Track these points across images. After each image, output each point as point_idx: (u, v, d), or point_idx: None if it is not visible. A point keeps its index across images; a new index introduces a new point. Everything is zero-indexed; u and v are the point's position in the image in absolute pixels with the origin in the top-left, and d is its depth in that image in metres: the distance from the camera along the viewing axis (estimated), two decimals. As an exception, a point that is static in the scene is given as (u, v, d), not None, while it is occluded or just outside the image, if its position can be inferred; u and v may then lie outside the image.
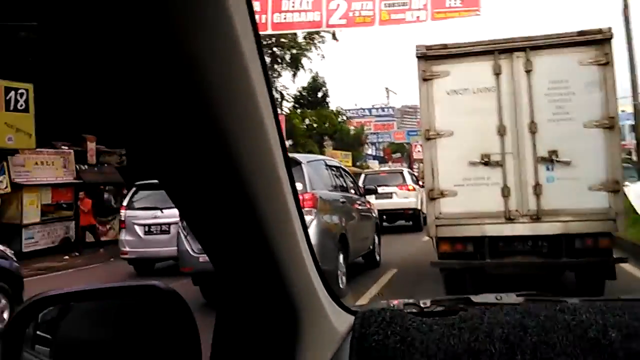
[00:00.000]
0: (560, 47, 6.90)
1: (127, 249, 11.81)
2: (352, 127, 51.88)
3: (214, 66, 0.63)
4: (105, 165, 20.12)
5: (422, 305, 1.32)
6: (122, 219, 12.08)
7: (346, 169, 11.42)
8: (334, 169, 9.96)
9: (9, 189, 15.82)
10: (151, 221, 11.64)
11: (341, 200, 9.08)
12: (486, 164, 7.05)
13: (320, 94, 44.22)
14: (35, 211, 16.65)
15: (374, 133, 60.56)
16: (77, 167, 18.24)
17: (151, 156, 0.73)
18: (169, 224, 11.26)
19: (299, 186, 7.57)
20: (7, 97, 15.97)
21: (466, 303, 1.32)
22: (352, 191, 10.26)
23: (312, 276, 1.04)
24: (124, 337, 1.16)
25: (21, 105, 16.28)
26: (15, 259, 7.83)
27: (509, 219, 6.99)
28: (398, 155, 58.83)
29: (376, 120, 63.62)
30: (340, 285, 8.02)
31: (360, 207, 10.14)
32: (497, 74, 7.06)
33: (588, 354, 0.92)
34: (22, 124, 16.26)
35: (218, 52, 0.63)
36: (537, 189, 6.94)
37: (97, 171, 19.42)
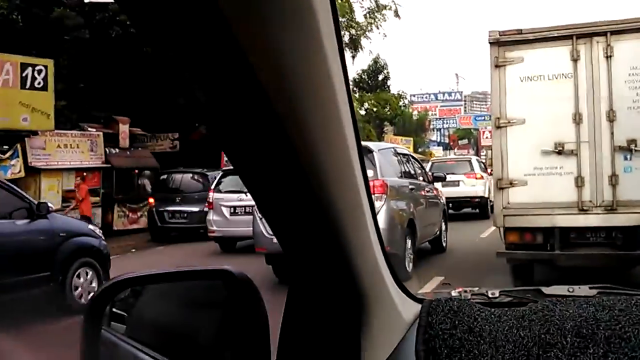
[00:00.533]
0: (644, 31, 6.58)
1: (214, 227, 12.49)
2: (415, 112, 49.74)
3: (295, 56, 0.64)
4: (140, 148, 18.75)
5: (490, 295, 1.29)
6: (210, 200, 12.77)
7: (415, 156, 11.88)
8: (404, 156, 10.28)
9: (22, 173, 14.21)
10: (236, 203, 12.20)
11: (410, 187, 9.34)
12: (560, 152, 6.85)
13: (381, 77, 42.98)
14: (56, 197, 14.60)
15: (440, 119, 58.08)
16: (107, 150, 16.86)
17: (228, 143, 0.76)
18: (253, 206, 11.50)
19: (370, 173, 7.47)
20: (24, 74, 14.24)
21: (536, 294, 1.29)
22: (421, 178, 10.49)
23: (379, 263, 1.03)
24: (195, 319, 1.21)
25: (39, 83, 14.50)
26: (103, 237, 8.27)
27: (582, 209, 6.79)
28: (465, 141, 55.33)
29: (441, 106, 60.37)
30: (408, 269, 8.31)
31: (428, 194, 10.36)
32: (575, 59, 6.82)
33: None
34: (39, 103, 14.50)
35: (300, 42, 0.64)
36: (614, 179, 6.70)
37: (129, 155, 17.87)
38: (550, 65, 6.92)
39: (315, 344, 1.03)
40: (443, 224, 11.13)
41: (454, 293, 1.30)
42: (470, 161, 19.05)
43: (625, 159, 6.70)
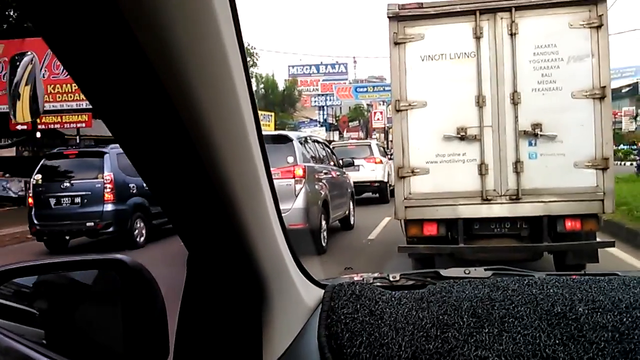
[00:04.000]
0: (550, 7, 6.12)
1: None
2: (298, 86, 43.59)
3: (185, 28, 0.62)
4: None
5: (391, 279, 1.35)
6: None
7: (327, 143, 13.17)
8: (319, 144, 11.46)
9: None
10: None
11: (324, 171, 10.34)
12: (462, 138, 6.34)
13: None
14: None
15: (322, 95, 47.92)
16: None
17: (117, 123, 0.71)
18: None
19: (290, 159, 8.92)
20: None
21: (435, 277, 1.34)
22: (332, 163, 11.51)
23: (281, 249, 1.03)
24: (88, 311, 1.12)
25: None
26: None
27: (486, 199, 6.34)
28: (355, 123, 51.14)
29: (324, 80, 48.84)
30: (323, 244, 9.39)
31: (338, 178, 11.37)
32: (478, 37, 6.29)
33: (555, 328, 0.93)
34: None
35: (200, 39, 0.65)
36: (518, 166, 6.27)
37: None
38: (452, 44, 6.37)
39: (214, 331, 1.01)
40: (351, 204, 12.25)
41: (356, 277, 1.37)
42: (370, 145, 19.06)
43: (530, 144, 6.27)
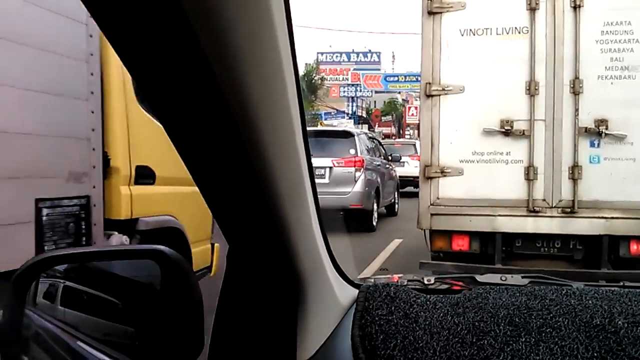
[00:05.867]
0: (625, -27, 4.92)
1: None
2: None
3: (241, 31, 0.63)
4: None
5: (425, 282, 1.35)
6: None
7: (379, 140, 15.32)
8: (373, 140, 13.42)
9: None
10: None
11: (377, 163, 11.88)
12: (507, 133, 5.15)
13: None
14: None
15: (352, 84, 43.90)
16: None
17: (169, 116, 0.73)
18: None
19: (352, 151, 10.66)
20: None
21: (470, 282, 1.36)
22: (382, 157, 13.03)
23: (319, 248, 1.03)
24: (126, 300, 1.15)
25: None
26: None
27: (533, 210, 5.14)
28: (388, 118, 47.14)
29: (355, 69, 44.54)
30: (374, 223, 11.01)
31: (387, 170, 12.90)
32: (533, 8, 5.08)
33: (593, 340, 0.92)
34: None
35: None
36: (575, 171, 5.05)
37: None
38: (500, 16, 5.18)
39: (250, 326, 1.03)
40: (396, 194, 13.78)
41: (390, 279, 1.37)
42: (414, 145, 19.80)
43: (592, 145, 5.05)
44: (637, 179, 4.97)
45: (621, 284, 1.34)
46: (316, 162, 9.51)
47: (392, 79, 43.31)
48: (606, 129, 4.98)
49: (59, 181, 3.57)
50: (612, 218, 5.01)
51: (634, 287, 1.21)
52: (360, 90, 43.91)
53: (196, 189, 0.84)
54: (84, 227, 3.75)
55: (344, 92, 44.23)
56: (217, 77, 0.65)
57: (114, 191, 3.98)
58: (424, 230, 5.47)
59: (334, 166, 10.30)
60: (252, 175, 0.79)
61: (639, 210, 4.97)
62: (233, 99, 0.68)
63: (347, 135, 11.32)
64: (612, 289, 1.15)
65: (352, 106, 44.64)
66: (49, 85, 3.40)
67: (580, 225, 5.07)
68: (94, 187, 3.83)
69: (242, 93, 0.68)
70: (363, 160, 10.64)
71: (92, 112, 3.80)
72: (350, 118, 41.01)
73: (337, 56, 46.06)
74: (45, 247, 3.34)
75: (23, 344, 1.13)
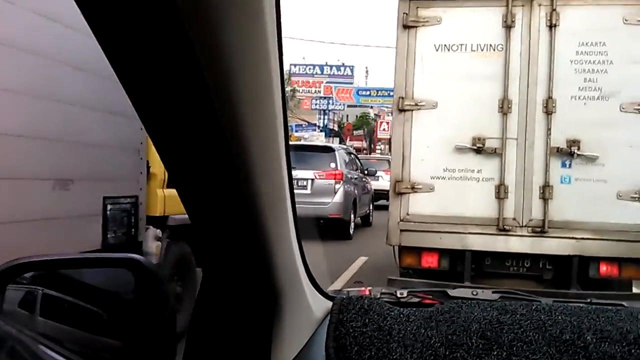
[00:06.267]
0: (601, -4, 4.89)
1: None
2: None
3: (234, 35, 0.63)
4: None
5: (398, 295, 1.38)
6: None
7: (356, 154, 15.99)
8: (351, 154, 14.15)
9: None
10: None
11: (354, 177, 12.65)
12: (479, 151, 5.10)
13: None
14: None
15: (324, 97, 42.81)
16: None
17: (153, 121, 0.73)
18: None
19: (332, 165, 11.41)
20: None
21: (442, 296, 1.39)
22: (359, 171, 13.67)
23: (297, 261, 1.05)
24: (98, 309, 1.11)
25: None
26: None
27: (503, 229, 5.09)
28: (360, 132, 46.80)
29: (327, 82, 43.41)
30: (350, 232, 11.72)
31: (364, 184, 13.70)
32: (509, 26, 5.04)
33: (563, 354, 0.95)
34: None
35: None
36: (547, 191, 5.01)
37: None
38: (475, 32, 5.14)
39: (224, 338, 1.03)
40: (371, 206, 14.60)
41: (363, 291, 1.44)
42: (389, 160, 20.19)
43: (564, 165, 5.01)
44: (608, 200, 4.94)
45: (588, 300, 1.36)
46: (299, 174, 10.41)
47: (364, 92, 43.04)
48: (578, 149, 4.94)
49: (118, 183, 4.41)
50: (583, 239, 4.97)
51: (600, 304, 1.23)
52: (333, 104, 43.32)
53: None
54: (133, 221, 4.50)
55: (316, 104, 43.51)
56: (208, 82, 0.64)
57: (151, 192, 4.77)
58: (393, 246, 5.40)
59: (316, 178, 11.04)
60: (235, 185, 0.79)
61: (609, 231, 4.94)
62: (221, 104, 0.67)
63: (328, 150, 12.33)
64: (580, 305, 1.17)
65: (324, 119, 43.88)
66: (119, 108, 4.02)
67: (550, 245, 5.03)
68: (140, 188, 4.62)
69: (230, 97, 0.67)
70: (342, 173, 11.45)
71: (141, 129, 4.29)
72: (321, 131, 40.31)
73: (310, 68, 45.18)
74: (108, 235, 4.16)
75: None
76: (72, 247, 3.58)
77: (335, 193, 11.09)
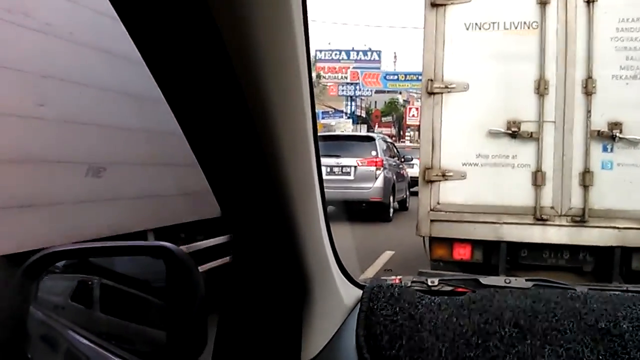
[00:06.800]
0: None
1: None
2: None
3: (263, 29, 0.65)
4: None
5: (429, 283, 1.35)
6: None
7: (394, 143, 17.24)
8: (389, 143, 15.15)
9: None
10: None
11: (393, 163, 13.51)
12: (514, 135, 4.81)
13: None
14: None
15: (351, 83, 41.23)
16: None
17: (184, 109, 0.75)
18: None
19: (373, 153, 12.30)
20: None
21: (474, 284, 1.35)
22: (396, 159, 14.49)
23: (326, 248, 1.04)
24: (130, 298, 1.13)
25: None
26: None
27: (540, 219, 4.80)
28: (389, 119, 45.55)
29: (354, 67, 41.52)
30: (390, 215, 12.47)
31: (401, 170, 14.50)
32: (544, 2, 4.76)
33: (598, 343, 0.93)
34: None
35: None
36: (587, 178, 4.71)
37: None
38: (508, 9, 4.85)
39: (255, 325, 1.03)
40: (407, 191, 15.10)
41: (394, 280, 1.35)
42: None
43: (605, 149, 4.72)
44: (652, 186, 4.65)
45: (624, 287, 1.34)
46: (343, 161, 11.87)
47: (391, 77, 41.44)
48: (620, 132, 4.65)
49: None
50: (625, 228, 4.68)
51: (637, 291, 1.22)
52: (360, 89, 41.89)
53: None
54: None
55: (343, 90, 42.21)
56: (238, 76, 0.66)
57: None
58: (423, 237, 5.12)
59: (359, 165, 12.05)
60: (265, 174, 0.81)
61: (653, 220, 4.65)
62: (252, 99, 0.70)
63: (369, 139, 13.38)
64: (616, 292, 1.16)
65: (351, 106, 42.81)
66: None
67: (591, 236, 4.73)
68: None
69: (261, 93, 0.69)
70: (382, 160, 12.41)
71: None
72: (348, 118, 39.56)
73: (336, 54, 43.36)
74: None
75: (27, 342, 1.06)
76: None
77: (376, 179, 11.99)
